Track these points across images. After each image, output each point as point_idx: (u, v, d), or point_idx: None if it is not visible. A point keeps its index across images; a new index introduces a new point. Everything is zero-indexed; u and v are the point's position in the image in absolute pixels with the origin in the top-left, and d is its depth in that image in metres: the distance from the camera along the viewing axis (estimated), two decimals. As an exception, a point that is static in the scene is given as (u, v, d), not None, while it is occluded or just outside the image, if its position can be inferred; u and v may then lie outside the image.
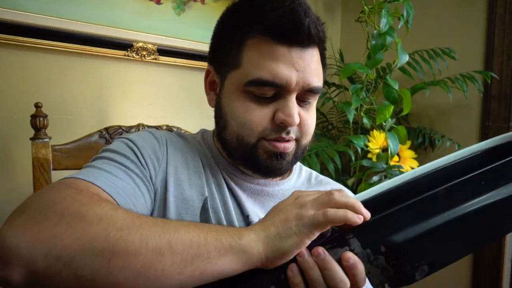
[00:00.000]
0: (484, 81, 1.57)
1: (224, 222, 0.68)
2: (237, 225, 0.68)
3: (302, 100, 0.67)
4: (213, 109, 0.74)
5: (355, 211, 0.49)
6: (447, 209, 0.49)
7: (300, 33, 0.62)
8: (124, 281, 0.44)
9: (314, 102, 0.70)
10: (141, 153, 0.66)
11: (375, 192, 0.53)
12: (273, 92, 0.64)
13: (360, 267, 0.48)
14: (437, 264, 0.49)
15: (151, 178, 0.66)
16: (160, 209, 0.66)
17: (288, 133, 0.66)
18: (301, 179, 0.82)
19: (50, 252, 0.42)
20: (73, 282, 0.43)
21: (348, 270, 0.48)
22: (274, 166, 0.68)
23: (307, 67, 0.64)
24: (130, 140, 0.68)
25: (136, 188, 0.62)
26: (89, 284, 0.43)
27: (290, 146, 0.68)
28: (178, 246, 0.46)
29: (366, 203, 0.51)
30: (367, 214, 0.49)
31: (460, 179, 0.50)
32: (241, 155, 0.69)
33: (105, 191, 0.56)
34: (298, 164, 0.85)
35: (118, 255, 0.44)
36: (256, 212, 0.71)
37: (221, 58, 0.70)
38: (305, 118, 0.68)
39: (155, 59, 1.37)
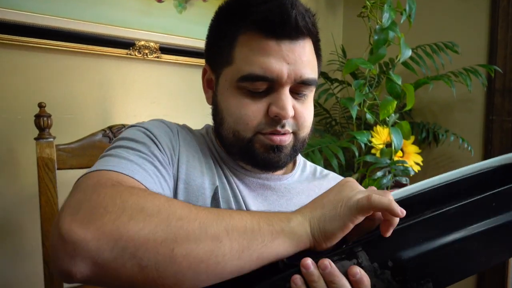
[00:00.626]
0: (487, 74, 1.56)
1: None
2: None
3: (296, 93, 0.67)
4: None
5: (394, 214, 0.49)
6: (456, 229, 0.50)
7: (287, 25, 0.62)
8: (186, 269, 0.45)
9: (310, 94, 0.70)
10: (159, 141, 0.67)
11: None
12: (265, 86, 0.65)
13: (366, 281, 0.48)
14: (442, 283, 0.49)
15: (171, 164, 0.67)
16: (173, 196, 0.67)
17: (283, 126, 0.66)
18: (306, 173, 0.83)
19: (116, 244, 0.44)
20: (138, 273, 0.44)
21: (355, 284, 0.48)
22: (272, 159, 0.68)
23: (298, 59, 0.64)
24: (146, 129, 0.69)
25: (162, 178, 0.63)
26: (153, 274, 0.44)
27: (287, 139, 0.68)
28: (235, 232, 0.48)
29: None
30: (403, 212, 0.49)
31: (472, 199, 0.51)
32: (239, 150, 0.70)
33: (143, 184, 0.57)
34: (302, 159, 0.85)
35: (180, 243, 0.45)
36: (258, 206, 0.72)
37: (215, 56, 0.71)
38: (300, 110, 0.68)
39: (157, 57, 1.37)
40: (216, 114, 0.72)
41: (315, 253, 0.51)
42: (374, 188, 0.55)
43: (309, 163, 0.87)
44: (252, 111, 0.66)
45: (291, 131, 0.68)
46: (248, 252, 0.47)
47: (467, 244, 0.49)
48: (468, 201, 0.51)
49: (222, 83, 0.69)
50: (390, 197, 0.49)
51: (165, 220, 0.46)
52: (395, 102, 1.37)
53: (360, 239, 0.51)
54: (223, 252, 0.46)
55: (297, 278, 0.48)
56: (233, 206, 0.69)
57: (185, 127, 0.78)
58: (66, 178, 1.01)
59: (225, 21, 0.69)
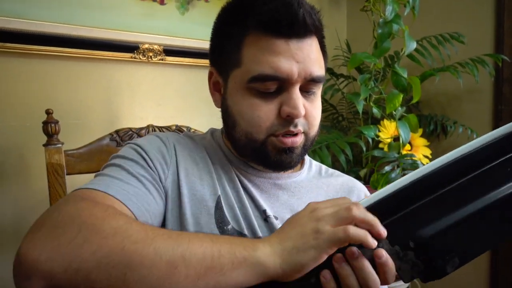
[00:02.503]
0: (495, 64, 1.54)
1: (241, 219, 0.68)
2: (255, 221, 0.69)
3: (306, 91, 0.67)
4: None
5: (373, 228, 0.48)
6: (474, 199, 0.49)
7: (295, 24, 0.62)
8: None
9: (318, 91, 0.70)
10: (149, 157, 0.67)
11: (397, 187, 0.52)
12: (276, 86, 0.64)
13: (391, 264, 0.48)
14: (468, 255, 0.49)
15: (160, 180, 0.67)
16: (176, 210, 0.67)
17: (295, 126, 0.66)
18: (312, 172, 0.83)
19: (69, 266, 0.44)
20: None
21: (380, 267, 0.48)
22: (284, 160, 0.68)
23: (307, 57, 0.64)
24: (138, 145, 0.69)
25: (147, 192, 0.63)
26: None
27: (298, 140, 0.68)
28: (192, 259, 0.46)
29: (389, 198, 0.51)
30: (384, 233, 0.49)
31: (485, 167, 0.50)
32: (251, 152, 0.70)
33: (118, 199, 0.57)
34: (308, 158, 0.85)
35: (133, 268, 0.44)
36: (271, 206, 0.72)
37: (222, 58, 0.70)
38: (310, 109, 0.68)
39: (162, 59, 1.38)
40: (227, 117, 0.71)
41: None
42: (338, 202, 0.53)
43: (314, 162, 0.87)
44: (264, 113, 0.65)
45: (302, 130, 0.68)
46: (205, 280, 0.46)
47: (487, 213, 0.48)
48: (482, 169, 0.50)
49: (231, 86, 0.69)
50: (368, 218, 0.48)
51: (120, 244, 0.45)
52: (402, 96, 1.36)
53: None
54: (177, 279, 0.45)
55: (326, 272, 0.48)
56: (238, 211, 0.69)
57: (185, 137, 0.78)
58: (76, 183, 1.02)
59: (230, 23, 0.69)
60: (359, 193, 0.82)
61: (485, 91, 1.62)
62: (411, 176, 0.52)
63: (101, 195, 0.56)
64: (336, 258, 0.48)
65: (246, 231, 0.68)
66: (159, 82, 1.41)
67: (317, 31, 0.67)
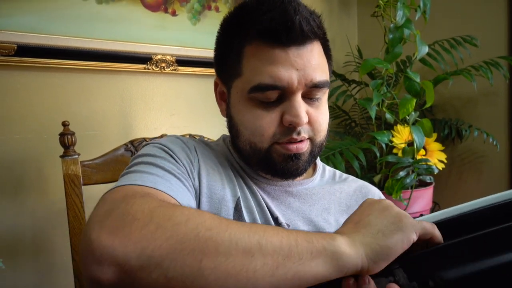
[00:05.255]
0: (509, 66, 1.52)
1: (260, 223, 0.68)
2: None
3: (309, 98, 0.67)
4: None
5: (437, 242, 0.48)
6: (507, 250, 0.45)
7: (292, 32, 0.62)
8: (214, 283, 0.42)
9: (323, 97, 0.69)
10: (176, 156, 0.67)
11: (433, 220, 0.50)
12: (276, 95, 0.64)
13: None
14: None
15: (191, 178, 0.67)
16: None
17: (299, 133, 0.66)
18: (325, 178, 0.82)
19: (142, 252, 0.42)
20: (164, 284, 0.42)
21: None
22: (290, 168, 0.68)
23: (307, 63, 0.64)
24: (162, 145, 0.69)
25: (186, 190, 0.63)
26: (179, 286, 0.42)
27: (304, 146, 0.67)
28: (269, 247, 0.44)
29: None
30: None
31: None
32: (257, 161, 0.70)
33: (170, 195, 0.56)
34: (321, 163, 0.85)
35: (208, 255, 0.42)
36: (283, 214, 0.72)
37: (224, 68, 0.71)
38: (315, 115, 0.67)
39: (175, 70, 1.39)
40: (232, 126, 0.72)
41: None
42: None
43: (328, 168, 0.86)
44: (266, 122, 0.65)
45: (307, 137, 0.67)
46: (283, 269, 0.43)
47: None
48: None
49: (233, 96, 0.69)
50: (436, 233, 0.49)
51: (194, 230, 0.44)
52: (415, 100, 1.36)
53: (397, 257, 0.46)
54: (254, 267, 0.43)
55: None
56: (257, 216, 0.69)
57: (201, 142, 0.78)
58: (92, 193, 1.04)
59: (230, 33, 0.70)
60: (374, 198, 0.81)
61: (500, 94, 1.60)
62: (445, 212, 0.50)
63: (156, 191, 0.55)
64: (344, 283, 0.46)
65: None
66: (172, 92, 1.43)
67: (317, 36, 0.66)
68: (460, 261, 0.45)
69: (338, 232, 0.49)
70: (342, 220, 0.74)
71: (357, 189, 0.82)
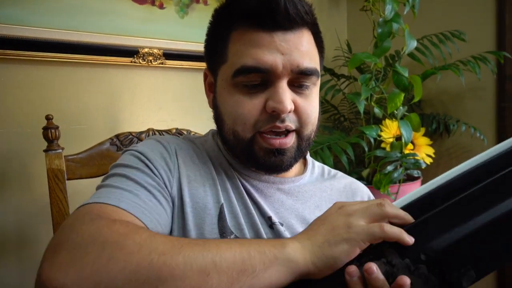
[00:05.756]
0: (497, 61, 1.53)
1: (245, 227, 0.66)
2: (261, 229, 0.66)
3: (297, 86, 0.65)
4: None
5: (405, 222, 0.48)
6: (488, 207, 0.46)
7: (277, 14, 0.60)
8: None
9: (313, 88, 0.67)
10: (153, 165, 0.65)
11: (409, 200, 0.50)
12: (260, 79, 0.63)
13: (408, 283, 0.44)
14: (485, 268, 0.45)
15: (167, 188, 0.65)
16: (179, 220, 0.65)
17: (283, 121, 0.63)
18: (315, 175, 0.82)
19: (97, 287, 0.41)
20: None
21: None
22: (274, 163, 0.66)
23: (293, 48, 0.62)
24: (140, 152, 0.67)
25: (158, 203, 0.61)
26: None
27: (288, 141, 0.65)
28: (223, 263, 0.45)
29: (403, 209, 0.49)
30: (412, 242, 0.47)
31: (497, 176, 0.47)
32: (240, 152, 0.68)
33: (131, 213, 0.55)
34: (311, 159, 0.84)
35: (164, 281, 0.43)
36: (277, 212, 0.70)
37: (213, 57, 0.70)
38: (302, 105, 0.65)
39: (162, 63, 1.38)
40: (217, 116, 0.71)
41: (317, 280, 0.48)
42: (365, 202, 0.52)
43: (316, 163, 0.85)
44: (249, 109, 0.63)
45: (293, 127, 0.65)
46: (238, 284, 0.44)
47: (502, 223, 0.45)
48: (494, 177, 0.47)
49: (219, 83, 0.68)
50: (401, 214, 0.48)
51: (147, 257, 0.43)
52: (403, 95, 1.36)
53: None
54: (210, 286, 0.43)
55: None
56: (242, 220, 0.67)
57: (186, 140, 0.76)
58: (77, 188, 1.03)
59: (219, 21, 0.69)
60: (363, 196, 0.81)
61: (488, 89, 1.61)
62: (421, 189, 0.50)
63: (114, 210, 0.54)
64: (348, 270, 0.46)
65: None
66: (159, 86, 1.41)
67: (306, 23, 0.64)
68: (446, 228, 0.46)
69: (293, 237, 0.51)
70: None
71: (347, 186, 0.81)
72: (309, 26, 0.66)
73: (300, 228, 0.69)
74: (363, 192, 0.82)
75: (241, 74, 0.62)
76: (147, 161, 0.65)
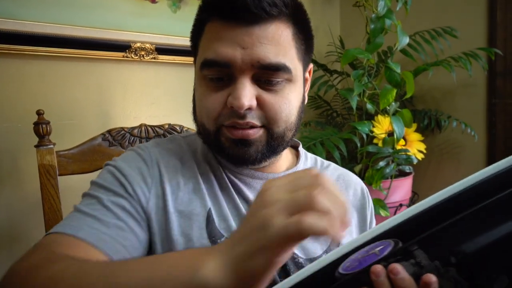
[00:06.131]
0: (488, 58, 1.54)
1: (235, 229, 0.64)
2: None
3: (265, 81, 0.62)
4: None
5: (340, 218, 0.37)
6: None
7: (238, 8, 0.58)
8: None
9: (287, 85, 0.64)
10: (128, 181, 0.64)
11: (436, 200, 0.46)
12: (223, 73, 0.62)
13: (433, 280, 0.42)
14: None
15: (141, 205, 0.64)
16: (161, 232, 0.64)
17: (243, 117, 0.61)
18: (307, 166, 0.81)
19: None
20: None
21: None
22: (240, 154, 0.64)
23: (256, 42, 0.59)
24: (117, 169, 0.66)
25: (124, 225, 0.60)
26: None
27: (252, 133, 0.63)
28: None
29: (428, 211, 0.45)
30: (349, 223, 0.39)
31: None
32: (210, 144, 0.68)
33: (88, 242, 0.55)
34: (303, 151, 0.83)
35: None
36: None
37: (193, 49, 0.70)
38: (270, 102, 0.62)
39: (154, 58, 1.37)
40: (193, 109, 0.71)
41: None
42: (300, 177, 0.40)
43: (309, 155, 0.84)
44: (211, 103, 0.63)
45: (258, 124, 0.63)
46: None
47: None
48: None
49: (195, 76, 0.69)
50: (338, 204, 0.37)
51: None
52: (395, 91, 1.36)
53: (412, 236, 0.44)
54: None
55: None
56: (232, 223, 0.65)
57: (171, 144, 0.74)
58: (68, 184, 1.02)
59: (198, 14, 0.68)
60: (356, 188, 0.81)
61: (479, 85, 1.62)
62: (450, 189, 0.46)
63: (70, 240, 0.55)
64: (374, 271, 0.41)
65: None
66: (152, 81, 1.41)
67: (281, 15, 0.61)
68: (478, 231, 0.43)
69: (219, 246, 0.40)
70: None
71: (340, 178, 0.81)
72: (284, 19, 0.62)
73: None
74: (356, 184, 0.82)
75: (205, 67, 0.62)
76: (122, 179, 0.64)
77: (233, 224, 0.65)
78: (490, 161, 1.62)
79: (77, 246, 0.54)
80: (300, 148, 0.82)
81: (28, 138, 1.03)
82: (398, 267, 0.41)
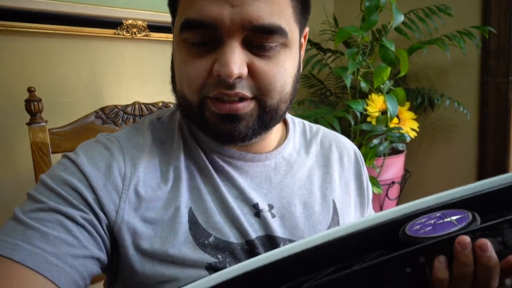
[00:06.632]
0: (482, 36, 1.54)
1: (225, 225, 0.57)
2: (244, 222, 0.58)
3: (257, 46, 0.53)
4: None
5: None
6: None
7: None
8: None
9: (280, 49, 0.55)
10: (89, 184, 0.54)
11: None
12: (207, 36, 0.52)
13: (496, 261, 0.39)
14: None
15: (107, 217, 0.54)
16: (136, 244, 0.55)
17: (231, 87, 0.52)
18: (297, 136, 0.73)
19: None
20: None
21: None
22: (226, 131, 0.55)
23: (248, 0, 0.50)
24: (78, 168, 0.55)
25: (72, 239, 0.50)
26: None
27: (242, 107, 0.54)
28: None
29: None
30: None
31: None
32: (193, 119, 0.58)
33: (26, 266, 0.45)
34: (289, 117, 0.75)
35: None
36: (265, 194, 0.63)
37: (170, 7, 0.61)
38: (262, 69, 0.54)
39: (146, 35, 1.35)
40: (171, 78, 0.62)
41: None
42: None
43: (296, 120, 0.76)
44: (194, 70, 0.53)
45: (249, 95, 0.54)
46: None
47: None
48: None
49: (173, 40, 0.59)
50: None
51: None
52: (389, 69, 1.36)
53: (504, 214, 0.41)
54: None
55: (442, 257, 0.39)
56: (218, 218, 0.58)
57: (146, 133, 0.63)
58: (62, 162, 1.01)
59: None
60: (349, 153, 0.76)
61: (472, 64, 1.62)
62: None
63: (5, 263, 0.45)
64: (460, 241, 0.38)
65: (233, 237, 0.57)
66: (144, 59, 1.39)
67: None
68: None
69: None
70: (325, 186, 0.69)
71: (332, 144, 0.75)
72: None
73: (292, 206, 0.63)
74: (349, 149, 0.77)
75: (186, 29, 0.52)
76: (83, 183, 0.54)
77: (219, 219, 0.58)
78: (482, 139, 1.64)
79: (17, 273, 0.45)
80: (287, 115, 0.74)
81: (19, 116, 1.01)
82: (488, 243, 0.39)
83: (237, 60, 0.51)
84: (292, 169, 0.67)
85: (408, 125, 1.51)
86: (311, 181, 0.68)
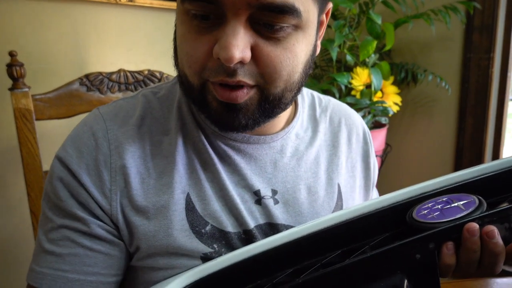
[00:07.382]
0: (466, 12, 1.56)
1: (223, 213, 0.55)
2: (243, 210, 0.55)
3: (264, 25, 0.46)
4: None
5: None
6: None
7: None
8: None
9: (291, 32, 0.47)
10: (84, 189, 0.53)
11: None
12: (209, 10, 0.45)
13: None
14: None
15: (105, 213, 0.54)
16: (130, 234, 0.54)
17: (232, 74, 0.46)
18: (305, 112, 0.67)
19: None
20: None
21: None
22: (226, 121, 0.51)
23: None
24: (68, 168, 0.53)
25: (87, 255, 0.53)
26: None
27: (241, 95, 0.48)
28: None
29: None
30: None
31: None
32: (194, 100, 0.53)
33: None
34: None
35: None
36: (269, 178, 0.59)
37: None
38: (268, 54, 0.47)
39: (131, 1, 1.31)
40: (174, 53, 0.56)
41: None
42: None
43: (305, 92, 0.69)
44: (195, 49, 0.48)
45: (251, 83, 0.48)
46: None
47: None
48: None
49: (176, 8, 0.52)
50: None
51: None
52: (375, 42, 1.37)
53: (510, 199, 0.43)
54: None
55: (451, 244, 0.41)
56: (216, 205, 0.55)
57: (135, 119, 0.58)
58: (46, 129, 1.00)
59: None
60: (358, 131, 0.71)
61: (456, 39, 1.64)
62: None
63: None
64: (469, 228, 0.40)
65: (230, 227, 0.54)
66: (129, 25, 1.36)
67: None
68: None
69: None
70: (331, 168, 0.65)
71: (342, 121, 0.70)
72: None
73: (297, 191, 0.60)
74: (358, 127, 0.72)
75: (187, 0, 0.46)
76: (75, 193, 0.53)
77: (217, 207, 0.55)
78: (461, 115, 1.68)
79: None
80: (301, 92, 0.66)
81: (1, 82, 0.99)
82: (495, 230, 0.40)
83: (239, 43, 0.44)
84: (298, 150, 0.63)
85: (392, 99, 1.53)
86: (318, 163, 0.64)
